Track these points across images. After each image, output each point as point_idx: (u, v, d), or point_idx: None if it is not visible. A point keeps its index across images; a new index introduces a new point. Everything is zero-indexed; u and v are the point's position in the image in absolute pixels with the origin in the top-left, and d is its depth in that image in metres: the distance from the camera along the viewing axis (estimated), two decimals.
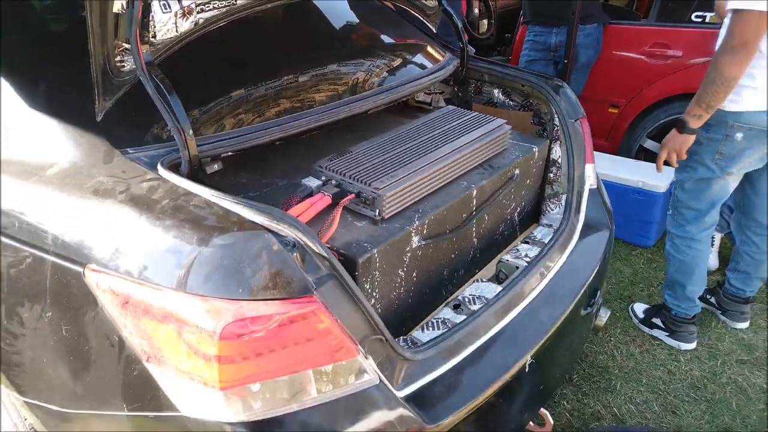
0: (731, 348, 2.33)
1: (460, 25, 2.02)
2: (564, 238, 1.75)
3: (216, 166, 1.36)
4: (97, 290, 1.10)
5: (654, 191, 2.89)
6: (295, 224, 1.09)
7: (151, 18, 1.21)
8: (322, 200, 1.37)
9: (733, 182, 2.14)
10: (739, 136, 2.00)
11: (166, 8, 1.23)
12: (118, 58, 1.24)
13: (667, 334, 2.35)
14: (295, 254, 1.07)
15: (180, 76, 1.22)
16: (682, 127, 2.02)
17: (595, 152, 2.99)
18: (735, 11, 1.81)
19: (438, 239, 1.48)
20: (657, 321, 2.39)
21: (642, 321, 2.44)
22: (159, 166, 1.21)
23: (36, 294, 1.20)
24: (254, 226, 1.07)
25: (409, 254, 1.40)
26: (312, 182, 1.43)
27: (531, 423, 1.69)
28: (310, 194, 1.40)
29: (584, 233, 1.81)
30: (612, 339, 2.38)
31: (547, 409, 1.72)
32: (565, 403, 2.08)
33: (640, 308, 2.49)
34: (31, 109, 1.31)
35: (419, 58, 1.99)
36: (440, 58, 2.01)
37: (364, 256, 1.26)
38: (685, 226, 2.23)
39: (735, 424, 1.99)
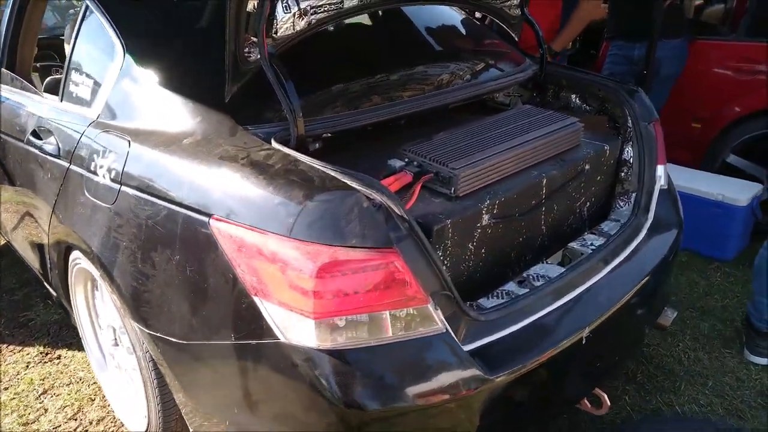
0: None
1: (540, 34, 2.17)
2: (630, 232, 1.84)
3: (317, 145, 1.59)
4: (218, 236, 1.34)
5: (734, 204, 2.87)
6: (382, 190, 1.29)
7: (274, 16, 1.46)
8: (404, 177, 1.56)
9: None
10: None
11: (287, 9, 1.47)
12: (246, 50, 1.49)
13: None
14: (380, 214, 1.26)
15: (293, 68, 1.46)
16: None
17: (676, 165, 3.03)
18: None
19: (507, 220, 1.62)
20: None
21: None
22: (273, 140, 1.46)
23: (168, 241, 1.47)
24: (349, 187, 1.28)
25: (479, 230, 1.56)
26: (396, 163, 1.63)
27: (588, 404, 1.78)
28: (394, 172, 1.59)
29: (651, 230, 1.89)
30: (680, 344, 2.41)
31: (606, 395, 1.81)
32: (626, 398, 2.14)
33: None
34: (172, 91, 1.61)
35: (500, 61, 2.16)
36: (520, 62, 2.17)
37: (438, 225, 1.44)
38: None
39: None
